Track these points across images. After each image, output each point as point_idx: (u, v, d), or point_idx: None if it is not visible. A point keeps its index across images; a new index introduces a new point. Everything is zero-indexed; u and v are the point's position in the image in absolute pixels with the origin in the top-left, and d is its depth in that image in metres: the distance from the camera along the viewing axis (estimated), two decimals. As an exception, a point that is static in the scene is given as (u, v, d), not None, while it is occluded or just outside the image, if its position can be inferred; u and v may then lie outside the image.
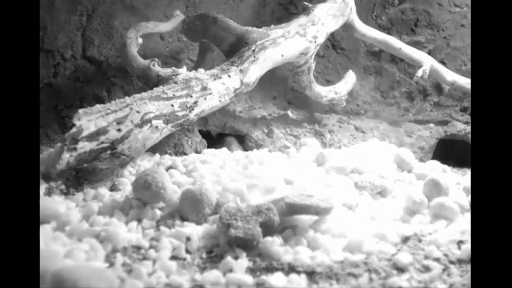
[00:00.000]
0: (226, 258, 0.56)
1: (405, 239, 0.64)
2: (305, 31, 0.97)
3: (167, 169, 0.85)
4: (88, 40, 1.09)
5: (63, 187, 0.72)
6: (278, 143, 1.09)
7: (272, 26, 0.97)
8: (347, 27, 1.12)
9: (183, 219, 0.66)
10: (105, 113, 0.68)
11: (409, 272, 0.56)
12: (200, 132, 1.07)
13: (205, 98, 0.81)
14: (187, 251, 0.59)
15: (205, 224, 0.65)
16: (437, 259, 0.58)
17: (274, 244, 0.58)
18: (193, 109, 0.80)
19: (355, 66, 1.25)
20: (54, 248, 0.56)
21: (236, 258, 0.57)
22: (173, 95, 0.77)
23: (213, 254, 0.59)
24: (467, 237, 0.63)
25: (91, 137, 0.66)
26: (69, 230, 0.62)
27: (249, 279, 0.53)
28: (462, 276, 0.54)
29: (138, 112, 0.71)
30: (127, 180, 0.79)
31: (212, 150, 1.01)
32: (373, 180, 0.83)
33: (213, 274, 0.53)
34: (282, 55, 0.93)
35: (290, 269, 0.55)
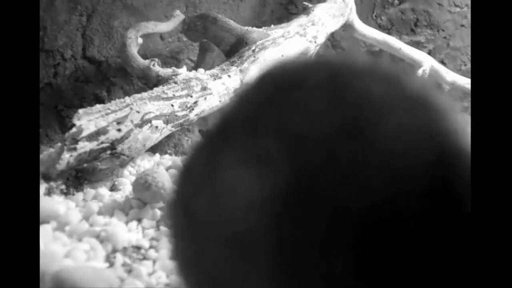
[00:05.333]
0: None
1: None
2: (305, 31, 0.97)
3: (167, 169, 0.84)
4: (88, 40, 1.09)
5: (63, 187, 0.72)
6: (278, 143, 1.09)
7: (272, 26, 0.97)
8: (347, 27, 1.12)
9: (183, 219, 0.66)
10: (105, 113, 0.68)
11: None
12: (200, 132, 1.07)
13: (205, 98, 0.81)
14: (187, 251, 0.59)
15: (205, 224, 0.65)
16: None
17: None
18: (193, 109, 0.79)
19: (355, 66, 1.25)
20: (54, 248, 0.56)
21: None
22: (173, 95, 0.77)
23: (213, 254, 0.59)
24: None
25: (91, 137, 0.66)
26: (69, 230, 0.62)
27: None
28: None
29: (138, 112, 0.71)
30: (127, 180, 0.79)
31: (212, 150, 1.01)
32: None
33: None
34: (282, 55, 0.93)
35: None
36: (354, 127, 0.24)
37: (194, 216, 0.28)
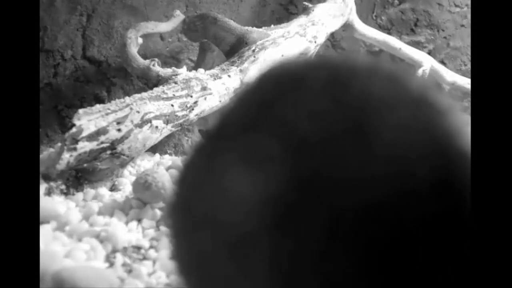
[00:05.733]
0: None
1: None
2: (305, 31, 0.97)
3: (167, 169, 0.85)
4: (88, 40, 1.09)
5: (63, 187, 0.72)
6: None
7: (272, 26, 0.97)
8: (347, 27, 1.12)
9: (183, 219, 0.66)
10: (105, 113, 0.68)
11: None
12: (200, 132, 1.07)
13: (205, 98, 0.81)
14: (187, 251, 0.59)
15: (205, 224, 0.65)
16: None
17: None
18: (193, 109, 0.79)
19: (355, 66, 1.25)
20: (54, 248, 0.56)
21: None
22: (173, 95, 0.77)
23: (213, 254, 0.59)
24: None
25: (91, 137, 0.66)
26: (69, 230, 0.62)
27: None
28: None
29: (138, 112, 0.71)
30: (127, 180, 0.79)
31: (212, 150, 1.01)
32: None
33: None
34: (282, 55, 0.93)
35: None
36: (355, 128, 0.24)
37: (194, 217, 0.28)
